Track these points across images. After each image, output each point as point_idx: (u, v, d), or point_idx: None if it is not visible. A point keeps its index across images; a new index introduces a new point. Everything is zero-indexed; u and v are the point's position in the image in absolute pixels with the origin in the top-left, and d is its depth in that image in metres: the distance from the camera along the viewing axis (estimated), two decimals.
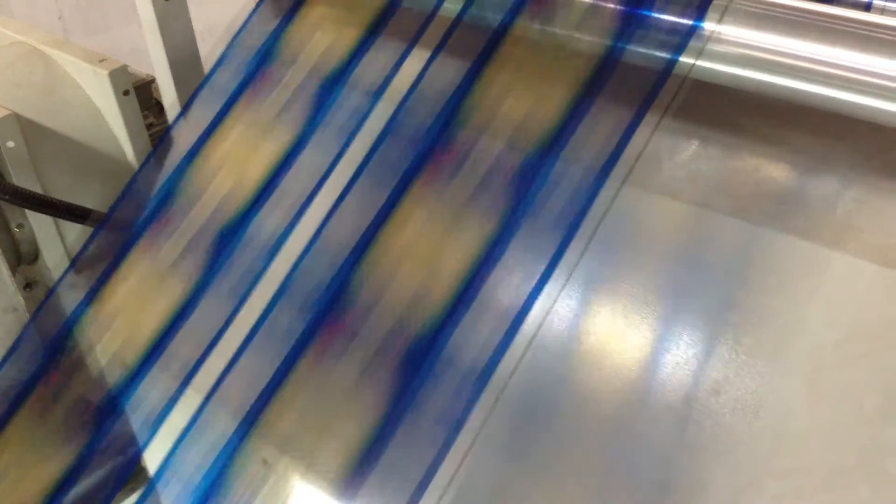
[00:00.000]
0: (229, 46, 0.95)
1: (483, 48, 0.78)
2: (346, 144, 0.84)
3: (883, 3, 0.81)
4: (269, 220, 0.85)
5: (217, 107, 0.91)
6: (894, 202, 0.71)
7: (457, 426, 0.67)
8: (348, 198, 0.81)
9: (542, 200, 0.72)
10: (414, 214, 0.76)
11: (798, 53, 0.68)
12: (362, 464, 0.70)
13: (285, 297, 0.80)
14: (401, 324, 0.72)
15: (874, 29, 0.67)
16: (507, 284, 0.71)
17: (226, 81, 0.93)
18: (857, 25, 0.67)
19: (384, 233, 0.76)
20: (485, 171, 0.75)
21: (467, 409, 0.68)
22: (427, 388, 0.69)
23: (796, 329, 0.68)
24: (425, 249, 0.75)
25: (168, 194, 0.91)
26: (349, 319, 0.75)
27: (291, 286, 0.80)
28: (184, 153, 0.92)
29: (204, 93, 0.94)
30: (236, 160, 0.89)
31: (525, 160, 0.73)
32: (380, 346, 0.72)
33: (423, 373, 0.69)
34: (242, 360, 0.79)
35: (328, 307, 0.75)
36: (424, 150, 0.77)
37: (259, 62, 0.93)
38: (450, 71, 0.79)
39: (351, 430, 0.71)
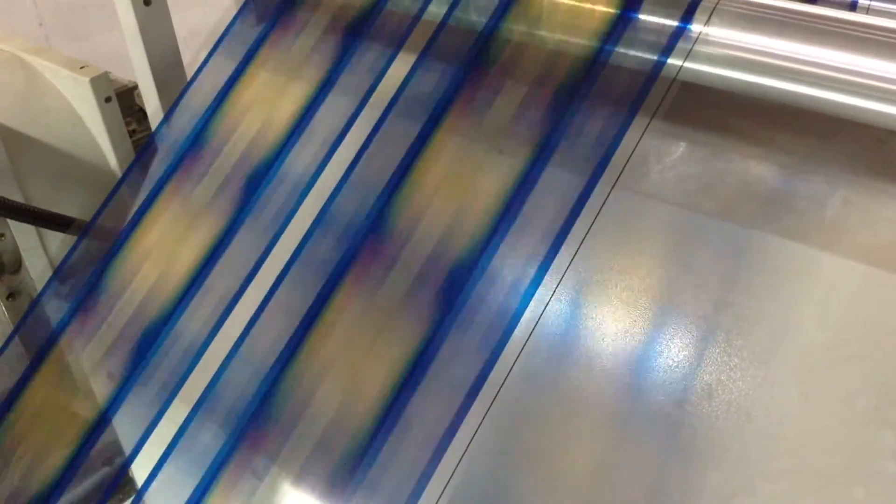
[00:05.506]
0: (212, 52, 0.94)
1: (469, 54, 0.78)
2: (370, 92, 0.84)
3: (868, 3, 0.81)
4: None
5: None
6: (883, 202, 0.71)
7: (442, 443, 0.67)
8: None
9: (535, 202, 0.72)
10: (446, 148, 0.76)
11: (785, 54, 0.68)
12: (353, 471, 0.69)
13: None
14: None
15: (860, 28, 0.67)
16: (497, 289, 0.70)
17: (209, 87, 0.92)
18: (843, 25, 0.67)
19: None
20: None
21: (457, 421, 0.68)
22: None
23: (787, 331, 0.68)
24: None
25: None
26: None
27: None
28: (167, 161, 0.91)
29: (187, 99, 0.93)
30: None
31: (516, 167, 0.73)
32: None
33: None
34: (230, 370, 0.78)
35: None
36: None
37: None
38: None
39: (342, 440, 0.71)
